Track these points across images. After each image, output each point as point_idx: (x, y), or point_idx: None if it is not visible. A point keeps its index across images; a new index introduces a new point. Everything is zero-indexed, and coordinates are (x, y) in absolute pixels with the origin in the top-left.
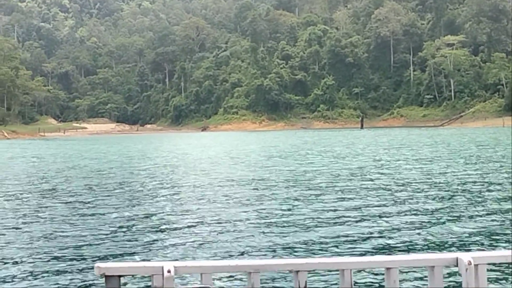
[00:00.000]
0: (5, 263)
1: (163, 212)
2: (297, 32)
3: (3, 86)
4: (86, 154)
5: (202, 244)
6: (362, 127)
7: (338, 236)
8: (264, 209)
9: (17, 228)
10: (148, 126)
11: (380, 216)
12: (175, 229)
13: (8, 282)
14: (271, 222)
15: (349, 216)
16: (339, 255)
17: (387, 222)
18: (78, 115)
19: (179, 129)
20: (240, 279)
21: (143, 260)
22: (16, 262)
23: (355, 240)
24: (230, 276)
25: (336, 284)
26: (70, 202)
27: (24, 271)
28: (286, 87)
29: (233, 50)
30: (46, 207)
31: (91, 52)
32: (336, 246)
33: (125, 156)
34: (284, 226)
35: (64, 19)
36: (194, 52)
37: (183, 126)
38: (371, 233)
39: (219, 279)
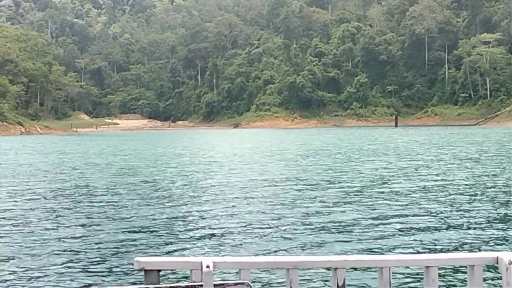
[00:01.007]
0: (46, 257)
1: (199, 208)
2: (330, 29)
3: (36, 82)
4: (121, 150)
5: (239, 240)
6: (396, 126)
7: (377, 234)
8: (302, 206)
9: (56, 224)
10: (180, 122)
11: (420, 215)
12: (212, 225)
13: (49, 275)
14: (308, 220)
15: (388, 215)
16: (378, 253)
17: (428, 221)
18: (110, 111)
19: (210, 126)
20: (279, 276)
21: (182, 255)
22: (57, 256)
23: (394, 239)
24: (268, 272)
25: (375, 282)
26: (106, 198)
27: (65, 265)
28: (319, 84)
29: (266, 47)
30: (83, 202)
31: (123, 48)
32: (375, 244)
33: (161, 153)
34: (322, 224)
35: (97, 16)
36: (226, 48)
37: (214, 123)
38: (411, 231)
39: (257, 275)
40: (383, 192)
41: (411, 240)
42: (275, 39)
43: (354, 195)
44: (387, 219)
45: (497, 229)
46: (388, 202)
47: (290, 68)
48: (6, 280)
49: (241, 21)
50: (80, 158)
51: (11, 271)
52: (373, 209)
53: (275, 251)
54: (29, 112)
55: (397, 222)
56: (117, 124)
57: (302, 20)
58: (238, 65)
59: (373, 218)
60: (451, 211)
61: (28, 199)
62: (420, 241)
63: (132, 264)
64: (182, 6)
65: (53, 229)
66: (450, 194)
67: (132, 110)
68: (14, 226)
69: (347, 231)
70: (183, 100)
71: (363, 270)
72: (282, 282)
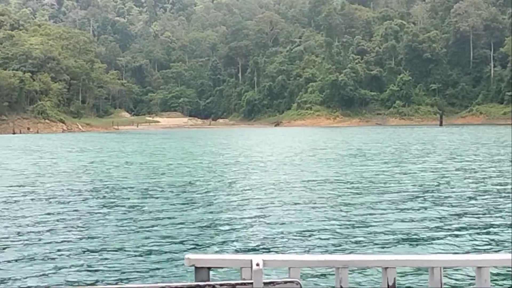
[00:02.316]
0: (96, 252)
1: (245, 207)
2: (372, 27)
3: (78, 79)
4: (163, 149)
5: (288, 238)
6: (441, 124)
7: (427, 234)
8: (349, 206)
9: (105, 221)
10: (221, 120)
11: (475, 215)
12: (259, 223)
13: (100, 271)
14: (357, 219)
15: (439, 215)
16: (428, 252)
17: (482, 221)
18: (151, 109)
19: (251, 124)
20: (328, 274)
21: (231, 253)
22: (106, 253)
23: (445, 239)
24: (318, 271)
25: (425, 281)
26: (153, 196)
27: (115, 262)
28: (361, 82)
29: (307, 45)
30: (130, 200)
31: (164, 46)
32: (425, 244)
33: (203, 151)
34: (371, 224)
35: (139, 14)
36: (267, 46)
37: (255, 121)
38: (463, 232)
39: (307, 273)
40: (433, 192)
41: (464, 241)
42: (317, 37)
43: (403, 196)
44: (437, 219)
45: None
46: (439, 202)
47: (332, 66)
48: (54, 274)
49: (282, 19)
50: (124, 156)
51: (62, 267)
52: (423, 209)
53: (324, 250)
54: (71, 110)
55: (448, 223)
56: (158, 122)
57: (344, 18)
58: (279, 63)
59: (423, 218)
60: (508, 211)
61: (74, 197)
62: (474, 241)
63: (182, 261)
64: (223, 4)
65: (102, 226)
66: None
67: (173, 108)
68: (60, 224)
69: (397, 231)
70: (223, 98)
71: (414, 270)
72: (332, 281)
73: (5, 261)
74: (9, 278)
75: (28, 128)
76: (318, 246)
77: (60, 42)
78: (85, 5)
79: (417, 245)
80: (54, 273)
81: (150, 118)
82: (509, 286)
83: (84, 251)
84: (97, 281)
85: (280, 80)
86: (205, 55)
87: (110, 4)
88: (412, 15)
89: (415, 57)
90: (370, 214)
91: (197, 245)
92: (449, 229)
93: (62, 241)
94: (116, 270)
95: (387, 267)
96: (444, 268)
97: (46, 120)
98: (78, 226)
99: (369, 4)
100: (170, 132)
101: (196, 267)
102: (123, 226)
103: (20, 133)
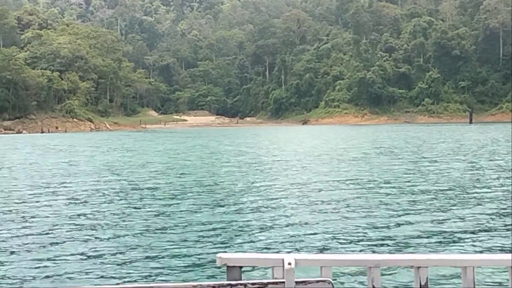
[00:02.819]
0: (127, 252)
1: (275, 206)
2: (400, 24)
3: (106, 78)
4: (193, 147)
5: (319, 237)
6: (471, 122)
7: (459, 234)
8: (380, 205)
9: (137, 220)
10: (248, 119)
11: (509, 215)
12: (290, 222)
13: (132, 270)
14: (388, 219)
15: (473, 214)
16: (462, 252)
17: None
18: (178, 108)
19: (279, 122)
20: (360, 273)
21: (263, 251)
22: (138, 252)
23: (478, 238)
24: (350, 270)
25: (457, 281)
26: (183, 195)
27: (147, 260)
28: (389, 80)
29: (335, 43)
30: (161, 199)
31: (191, 45)
32: (458, 243)
33: (233, 149)
34: (402, 223)
35: (166, 13)
36: (294, 44)
37: (283, 119)
38: (497, 231)
39: (339, 272)
40: (465, 191)
41: (497, 241)
42: (344, 35)
43: (434, 195)
44: (468, 218)
45: None
46: (471, 201)
47: (359, 64)
48: (85, 273)
49: (310, 17)
50: (152, 155)
51: (95, 266)
52: (455, 208)
53: (356, 249)
54: (99, 109)
55: (481, 222)
56: (185, 120)
57: (372, 15)
58: (307, 61)
59: (454, 218)
60: None
61: (103, 197)
62: (507, 241)
63: (214, 260)
64: (249, 2)
65: (132, 226)
66: None
67: (200, 107)
68: (90, 224)
69: (428, 231)
70: (251, 97)
71: (447, 269)
72: (364, 280)
73: (36, 259)
74: (41, 277)
75: (56, 127)
76: (349, 246)
77: (88, 41)
78: (113, 4)
79: (448, 244)
80: (85, 273)
81: (178, 117)
82: None
83: (114, 251)
84: (128, 280)
85: (307, 78)
86: (232, 54)
87: (138, 3)
88: (440, 12)
89: (444, 54)
90: (400, 213)
91: (228, 244)
92: (481, 229)
93: (93, 241)
94: (148, 269)
95: (420, 267)
96: (477, 267)
97: (74, 119)
98: (108, 226)
99: (397, 1)
100: (198, 130)
101: (228, 266)
102: (153, 226)
103: (49, 132)
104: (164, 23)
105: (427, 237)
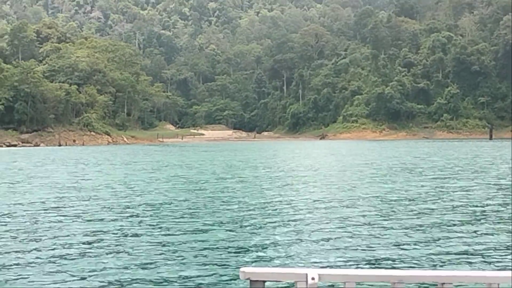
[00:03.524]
0: (150, 264)
1: (298, 221)
2: (419, 39)
3: (124, 92)
4: (213, 161)
5: (342, 252)
6: (491, 138)
7: (486, 250)
8: (403, 221)
9: (157, 234)
10: (265, 133)
11: None
12: (312, 237)
13: (154, 283)
14: (413, 234)
15: (496, 232)
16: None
17: None
18: (195, 122)
19: (296, 137)
20: None
21: (286, 266)
22: (161, 265)
23: (503, 256)
24: (374, 286)
25: None
26: (205, 209)
27: (170, 273)
28: (408, 95)
29: (353, 58)
30: (183, 213)
31: (209, 59)
32: (483, 260)
33: (252, 164)
34: (427, 239)
35: (184, 27)
36: (312, 59)
37: (300, 134)
38: None
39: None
40: (488, 209)
41: None
42: (363, 49)
43: (456, 212)
44: (492, 235)
45: None
46: (494, 219)
47: (378, 79)
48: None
49: (328, 32)
50: (171, 169)
51: (119, 277)
52: (479, 227)
53: (378, 265)
54: (116, 122)
55: (504, 239)
56: (203, 134)
57: (390, 30)
58: (325, 75)
59: (478, 235)
60: None
61: (128, 211)
62: None
63: (237, 275)
64: (267, 17)
65: (153, 240)
66: None
67: (217, 121)
68: (113, 237)
69: (451, 247)
70: (268, 111)
71: (471, 286)
72: None
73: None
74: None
75: (74, 140)
76: (371, 262)
77: (106, 55)
78: (131, 19)
79: (473, 261)
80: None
81: (195, 131)
82: None
83: (137, 263)
84: None
85: (325, 93)
86: (250, 68)
87: (156, 18)
88: (460, 27)
89: (463, 69)
90: (424, 229)
91: (251, 258)
92: (507, 246)
93: (112, 255)
94: (171, 282)
95: (444, 283)
96: (502, 284)
97: (92, 132)
98: (131, 239)
99: (415, 16)
100: (216, 145)
101: (251, 280)
102: (173, 241)
103: (66, 145)
104: (182, 37)
105: (451, 254)
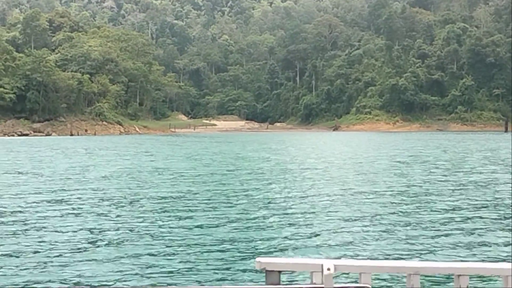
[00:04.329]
0: (166, 255)
1: (313, 212)
2: (434, 30)
3: (136, 81)
4: (225, 152)
5: (358, 243)
6: (506, 130)
7: (502, 242)
8: (417, 213)
9: (173, 225)
10: (278, 124)
11: None
12: (328, 228)
13: (172, 273)
14: (427, 226)
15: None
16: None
17: None
18: (208, 112)
19: (309, 128)
20: (399, 280)
21: (302, 256)
22: (177, 256)
23: None
24: (389, 277)
25: None
26: (220, 200)
27: (186, 263)
28: (422, 87)
29: (367, 49)
30: (197, 204)
31: (222, 49)
32: (500, 252)
33: (268, 156)
34: (441, 230)
35: (197, 17)
36: (326, 50)
37: (313, 125)
38: None
39: (378, 279)
40: (503, 201)
41: None
42: (376, 41)
43: (470, 204)
44: (508, 229)
45: None
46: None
47: (392, 70)
48: (123, 275)
49: (341, 22)
50: (185, 160)
51: (133, 269)
52: (494, 220)
53: (395, 256)
54: (128, 112)
55: None
56: (215, 125)
57: (404, 21)
58: (338, 66)
59: (495, 228)
60: None
61: (136, 201)
62: None
63: (253, 265)
64: (280, 7)
65: (170, 230)
66: None
67: (230, 111)
68: (127, 228)
69: (465, 239)
70: (281, 102)
71: (487, 277)
72: (403, 287)
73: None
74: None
75: (86, 130)
76: (387, 253)
77: (119, 44)
78: (144, 8)
79: (487, 254)
80: (122, 274)
81: (207, 121)
82: None
83: (153, 254)
84: (168, 283)
85: (338, 84)
86: (263, 59)
87: (169, 7)
88: (475, 19)
89: (478, 61)
90: (439, 221)
91: (265, 248)
92: None
93: (126, 245)
94: (187, 272)
95: (460, 275)
96: None
97: (104, 122)
98: (145, 231)
99: (430, 7)
100: (229, 135)
101: (267, 271)
102: (191, 230)
103: (78, 134)
104: (195, 27)
105: (467, 246)
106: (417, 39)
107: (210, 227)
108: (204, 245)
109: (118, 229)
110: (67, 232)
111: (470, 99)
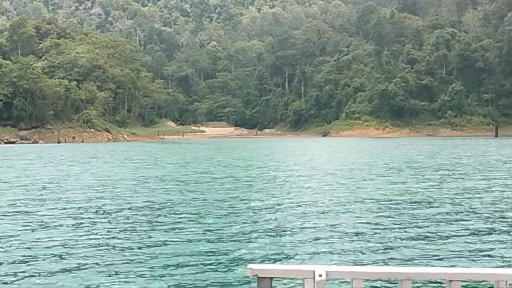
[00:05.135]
0: (155, 264)
1: (305, 218)
2: (423, 36)
3: (124, 88)
4: (220, 159)
5: (349, 250)
6: (496, 135)
7: (493, 248)
8: (407, 219)
9: (164, 231)
10: (267, 130)
11: None
12: (321, 234)
13: (163, 280)
14: (420, 231)
15: (502, 230)
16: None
17: None
18: (196, 118)
19: (298, 134)
20: (391, 286)
21: (293, 263)
22: (169, 262)
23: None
24: (381, 282)
25: None
26: (212, 207)
27: (178, 269)
28: (411, 92)
29: (355, 54)
30: (191, 211)
31: (210, 55)
32: (492, 258)
33: (258, 162)
34: (432, 236)
35: (185, 23)
36: (314, 56)
37: (302, 131)
38: None
39: (370, 285)
40: (493, 207)
41: None
42: (365, 46)
43: (463, 210)
44: (499, 234)
45: None
46: (500, 216)
47: (381, 76)
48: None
49: (330, 28)
50: (177, 167)
51: (126, 279)
52: (487, 225)
53: (387, 261)
54: (117, 119)
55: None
56: (204, 131)
57: (393, 26)
58: (327, 72)
59: (486, 233)
60: None
61: (130, 210)
62: None
63: (244, 271)
64: (269, 13)
65: (162, 237)
66: None
67: (219, 118)
68: (120, 236)
69: (457, 245)
70: (270, 108)
71: (479, 283)
72: None
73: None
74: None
75: (73, 137)
76: (379, 258)
77: (107, 51)
78: (132, 15)
79: (479, 259)
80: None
81: (196, 128)
82: None
83: (142, 260)
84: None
85: (327, 90)
86: (251, 65)
87: (157, 14)
88: (463, 24)
89: (467, 66)
90: (432, 227)
91: (257, 255)
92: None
93: (120, 252)
94: (178, 280)
95: (451, 280)
96: (510, 282)
97: (92, 129)
98: (138, 238)
99: (418, 13)
100: (218, 142)
101: (258, 277)
102: (181, 239)
103: (65, 142)
104: (183, 34)
105: (458, 252)
106: (406, 44)
107: (200, 235)
108: (195, 254)
109: (104, 236)
110: (37, 244)
111: (459, 104)
